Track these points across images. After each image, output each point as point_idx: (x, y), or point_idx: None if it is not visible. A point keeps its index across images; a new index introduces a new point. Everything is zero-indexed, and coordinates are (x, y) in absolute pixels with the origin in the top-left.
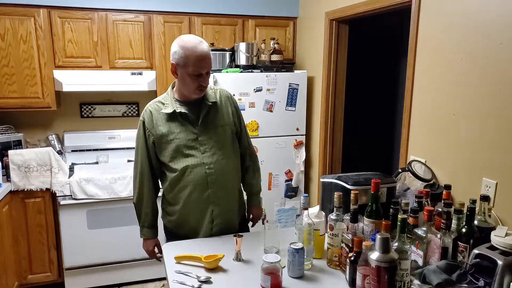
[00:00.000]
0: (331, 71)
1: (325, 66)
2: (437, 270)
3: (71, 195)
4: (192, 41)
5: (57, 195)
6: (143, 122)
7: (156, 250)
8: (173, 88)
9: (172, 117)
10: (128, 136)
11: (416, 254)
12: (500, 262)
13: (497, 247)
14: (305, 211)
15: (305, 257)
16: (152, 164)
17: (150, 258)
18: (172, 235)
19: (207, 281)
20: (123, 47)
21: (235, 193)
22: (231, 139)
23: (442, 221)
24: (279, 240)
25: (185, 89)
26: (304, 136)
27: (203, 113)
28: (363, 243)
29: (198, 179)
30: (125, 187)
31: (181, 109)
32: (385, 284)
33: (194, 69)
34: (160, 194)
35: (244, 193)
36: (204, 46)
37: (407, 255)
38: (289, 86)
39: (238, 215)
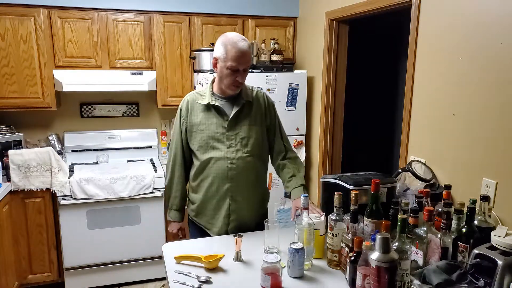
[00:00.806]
0: (331, 71)
1: (325, 66)
2: (437, 270)
3: (71, 195)
4: (235, 37)
5: (57, 195)
6: (180, 110)
7: (180, 234)
8: (212, 82)
9: (207, 108)
10: (128, 136)
11: (416, 254)
12: (500, 262)
13: (497, 247)
14: (305, 211)
15: (305, 257)
16: (184, 150)
17: (174, 239)
18: (193, 225)
19: (207, 281)
20: (123, 47)
21: (255, 192)
22: (260, 139)
23: (442, 221)
24: (279, 240)
25: (222, 83)
26: (304, 136)
27: (235, 110)
28: (363, 243)
29: (220, 172)
30: (125, 187)
31: (215, 102)
32: (385, 284)
33: (232, 64)
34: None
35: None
36: (245, 43)
37: (407, 255)
38: (289, 86)
39: (256, 215)
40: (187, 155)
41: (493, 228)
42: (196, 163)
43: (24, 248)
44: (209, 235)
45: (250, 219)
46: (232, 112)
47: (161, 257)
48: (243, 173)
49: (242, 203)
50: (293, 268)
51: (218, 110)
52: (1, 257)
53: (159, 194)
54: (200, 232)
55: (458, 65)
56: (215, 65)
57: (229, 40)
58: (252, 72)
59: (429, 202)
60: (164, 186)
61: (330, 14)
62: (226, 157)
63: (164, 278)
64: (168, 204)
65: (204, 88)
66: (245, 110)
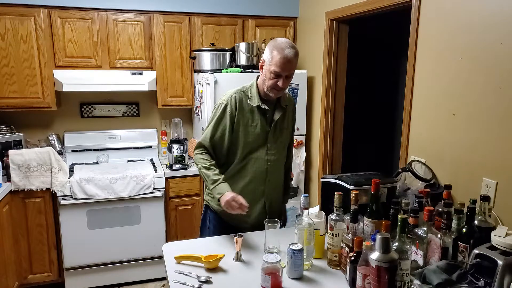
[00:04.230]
0: (331, 71)
1: (325, 66)
2: (437, 270)
3: (71, 195)
4: (283, 43)
5: (57, 195)
6: (226, 106)
7: (238, 200)
8: (256, 82)
9: (255, 110)
10: (128, 136)
11: (416, 254)
12: (500, 262)
13: (497, 247)
14: (305, 211)
15: (305, 257)
16: (224, 142)
17: (239, 211)
18: (217, 219)
19: (207, 281)
20: (123, 47)
21: (281, 191)
22: (287, 143)
23: (442, 221)
24: (279, 240)
25: (264, 85)
26: (304, 136)
27: (278, 115)
28: (363, 243)
29: (259, 172)
30: (125, 187)
31: (264, 105)
32: (385, 284)
33: (275, 69)
34: None
35: None
36: (291, 51)
37: (407, 255)
38: (289, 86)
39: (280, 211)
40: (216, 149)
41: (493, 228)
42: (233, 161)
43: (24, 248)
44: (233, 228)
45: (277, 215)
46: (274, 116)
47: (161, 257)
48: (277, 174)
49: (274, 201)
50: (293, 269)
51: (263, 113)
52: (1, 257)
53: (159, 194)
54: (226, 226)
55: (458, 65)
56: (261, 67)
57: (277, 46)
58: (252, 72)
59: (429, 202)
60: (163, 186)
61: (330, 14)
62: (267, 159)
63: (164, 278)
64: (209, 183)
65: (249, 87)
66: (282, 115)
